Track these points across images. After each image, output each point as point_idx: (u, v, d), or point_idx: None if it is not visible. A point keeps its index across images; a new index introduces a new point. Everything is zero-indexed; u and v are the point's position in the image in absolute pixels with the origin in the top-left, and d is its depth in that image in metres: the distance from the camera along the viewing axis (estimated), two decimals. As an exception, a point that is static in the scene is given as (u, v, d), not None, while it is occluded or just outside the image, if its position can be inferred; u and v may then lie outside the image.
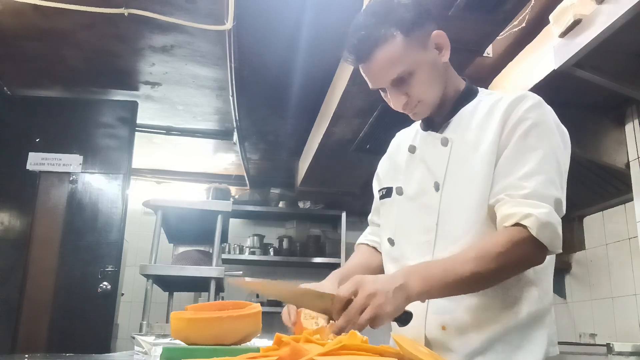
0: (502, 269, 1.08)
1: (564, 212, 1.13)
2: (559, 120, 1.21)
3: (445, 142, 1.25)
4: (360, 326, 0.99)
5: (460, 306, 1.16)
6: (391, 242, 1.34)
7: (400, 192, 1.33)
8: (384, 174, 1.45)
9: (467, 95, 1.29)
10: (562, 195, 1.13)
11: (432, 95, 1.24)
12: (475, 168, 1.19)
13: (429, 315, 1.20)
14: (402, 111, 1.26)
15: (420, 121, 1.35)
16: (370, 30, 1.18)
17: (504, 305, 1.14)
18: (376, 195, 1.44)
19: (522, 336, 1.14)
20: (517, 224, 1.07)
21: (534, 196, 1.09)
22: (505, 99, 1.22)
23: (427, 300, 1.18)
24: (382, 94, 1.27)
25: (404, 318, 1.06)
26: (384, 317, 1.00)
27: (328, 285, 1.28)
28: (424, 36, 1.21)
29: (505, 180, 1.13)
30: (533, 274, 1.16)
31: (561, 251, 1.10)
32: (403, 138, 1.44)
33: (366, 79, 1.26)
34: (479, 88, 1.32)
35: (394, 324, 1.09)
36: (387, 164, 1.45)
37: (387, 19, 1.19)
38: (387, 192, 1.37)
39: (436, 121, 1.30)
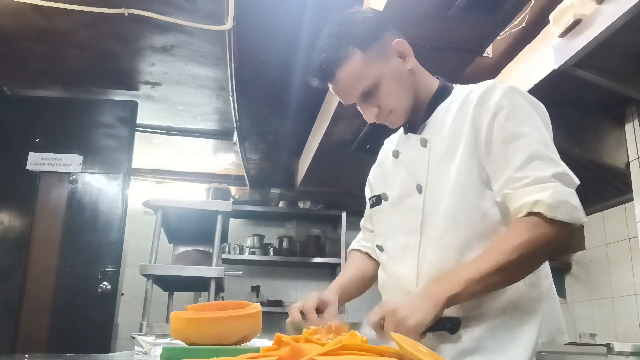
0: (528, 256, 1.08)
1: (576, 181, 1.12)
2: (532, 98, 1.21)
3: (424, 143, 1.26)
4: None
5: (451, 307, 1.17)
6: (380, 248, 1.36)
7: (386, 197, 1.35)
8: (374, 182, 1.47)
9: (442, 94, 1.30)
10: (563, 167, 1.12)
11: (402, 103, 1.26)
12: (455, 166, 1.19)
13: None
14: (377, 122, 1.29)
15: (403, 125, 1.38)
16: (329, 51, 1.22)
17: (492, 301, 1.15)
18: (368, 202, 1.46)
19: (512, 332, 1.14)
20: (529, 213, 1.07)
21: (536, 182, 1.09)
22: (475, 91, 1.22)
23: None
24: (358, 108, 1.31)
25: (450, 326, 1.08)
26: (410, 328, 1.02)
27: (330, 295, 1.32)
28: (383, 47, 1.24)
29: (503, 176, 1.13)
30: None
31: (586, 219, 1.10)
32: (389, 144, 1.46)
33: (337, 97, 1.30)
34: (453, 85, 1.33)
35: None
36: (377, 172, 1.47)
37: (344, 38, 1.22)
38: (377, 200, 1.39)
39: (415, 123, 1.32)
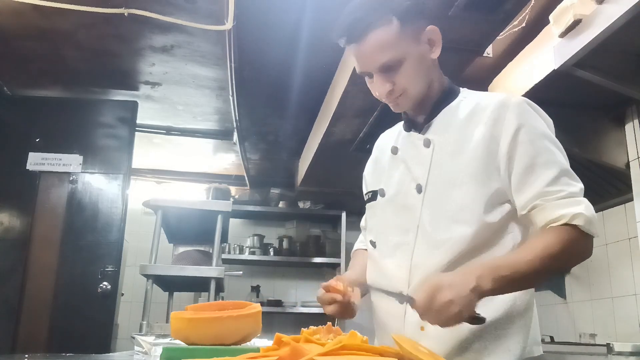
0: (561, 267, 1.16)
1: None
2: (542, 112, 1.23)
3: (427, 144, 1.25)
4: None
5: None
6: (373, 244, 1.34)
7: (382, 193, 1.33)
8: (369, 177, 1.45)
9: (449, 95, 1.29)
10: (581, 183, 1.17)
11: (416, 88, 1.23)
12: (459, 171, 1.19)
13: (407, 316, 1.20)
14: (384, 100, 1.26)
15: (403, 122, 1.36)
16: (367, 12, 1.19)
17: (482, 305, 1.13)
18: (365, 198, 1.44)
19: (498, 335, 1.14)
20: (565, 224, 1.10)
21: (570, 195, 1.12)
22: (488, 102, 1.22)
23: (405, 301, 1.19)
24: (367, 79, 1.27)
25: (477, 322, 1.07)
26: (459, 321, 1.03)
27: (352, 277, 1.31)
28: (418, 28, 1.22)
29: (532, 190, 1.14)
30: None
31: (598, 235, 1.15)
32: (386, 139, 1.44)
33: (355, 61, 1.25)
34: (460, 88, 1.32)
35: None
36: (372, 167, 1.46)
37: (386, 3, 1.19)
38: (372, 196, 1.38)
39: (418, 121, 1.30)
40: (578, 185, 1.15)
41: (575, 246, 1.11)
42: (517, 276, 1.07)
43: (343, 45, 1.25)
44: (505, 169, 1.17)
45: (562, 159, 1.17)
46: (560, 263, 1.12)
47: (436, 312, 1.02)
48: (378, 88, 1.24)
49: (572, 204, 1.11)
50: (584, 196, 1.14)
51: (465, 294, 1.01)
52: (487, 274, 1.05)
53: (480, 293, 1.03)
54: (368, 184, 1.45)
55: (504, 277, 1.06)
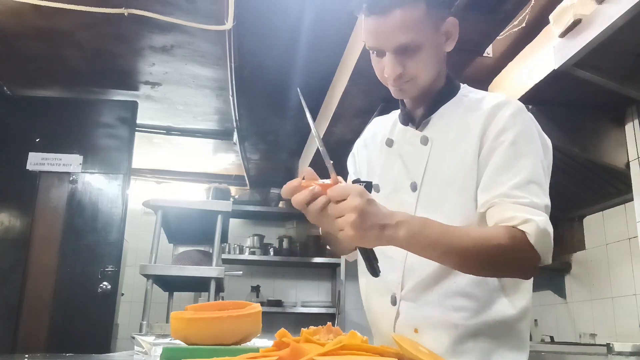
0: (492, 261, 1.04)
1: None
2: (540, 127, 1.20)
3: (425, 141, 1.23)
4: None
5: (433, 308, 1.14)
6: None
7: (377, 189, 1.29)
8: (359, 160, 1.41)
9: (450, 91, 1.26)
10: (549, 201, 1.12)
11: (425, 77, 1.20)
12: (453, 170, 1.17)
13: (400, 318, 1.18)
14: (390, 82, 1.21)
15: (400, 114, 1.32)
16: None
17: (476, 309, 1.13)
18: (351, 174, 1.39)
19: (493, 342, 1.13)
20: (514, 227, 1.05)
21: (531, 205, 1.07)
22: (486, 102, 1.20)
23: (398, 302, 1.18)
24: (374, 56, 1.22)
25: (371, 269, 1.02)
26: (344, 234, 0.97)
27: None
28: (440, 17, 1.18)
29: (496, 190, 1.10)
30: (502, 281, 1.14)
31: (550, 262, 1.08)
32: (380, 127, 1.40)
33: (369, 35, 1.18)
34: (460, 84, 1.30)
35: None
36: (363, 153, 1.41)
37: None
38: (366, 187, 1.33)
39: (416, 115, 1.28)
40: (544, 200, 1.09)
41: (515, 251, 1.03)
42: (442, 243, 1.01)
43: (362, 13, 1.18)
44: (482, 167, 1.14)
45: (538, 170, 1.12)
46: (491, 259, 1.03)
47: (324, 204, 1.00)
48: (388, 69, 1.18)
49: (529, 211, 1.05)
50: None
51: (373, 222, 0.97)
52: (413, 224, 1.01)
53: (389, 236, 0.99)
54: (360, 170, 1.40)
55: (427, 237, 1.00)
